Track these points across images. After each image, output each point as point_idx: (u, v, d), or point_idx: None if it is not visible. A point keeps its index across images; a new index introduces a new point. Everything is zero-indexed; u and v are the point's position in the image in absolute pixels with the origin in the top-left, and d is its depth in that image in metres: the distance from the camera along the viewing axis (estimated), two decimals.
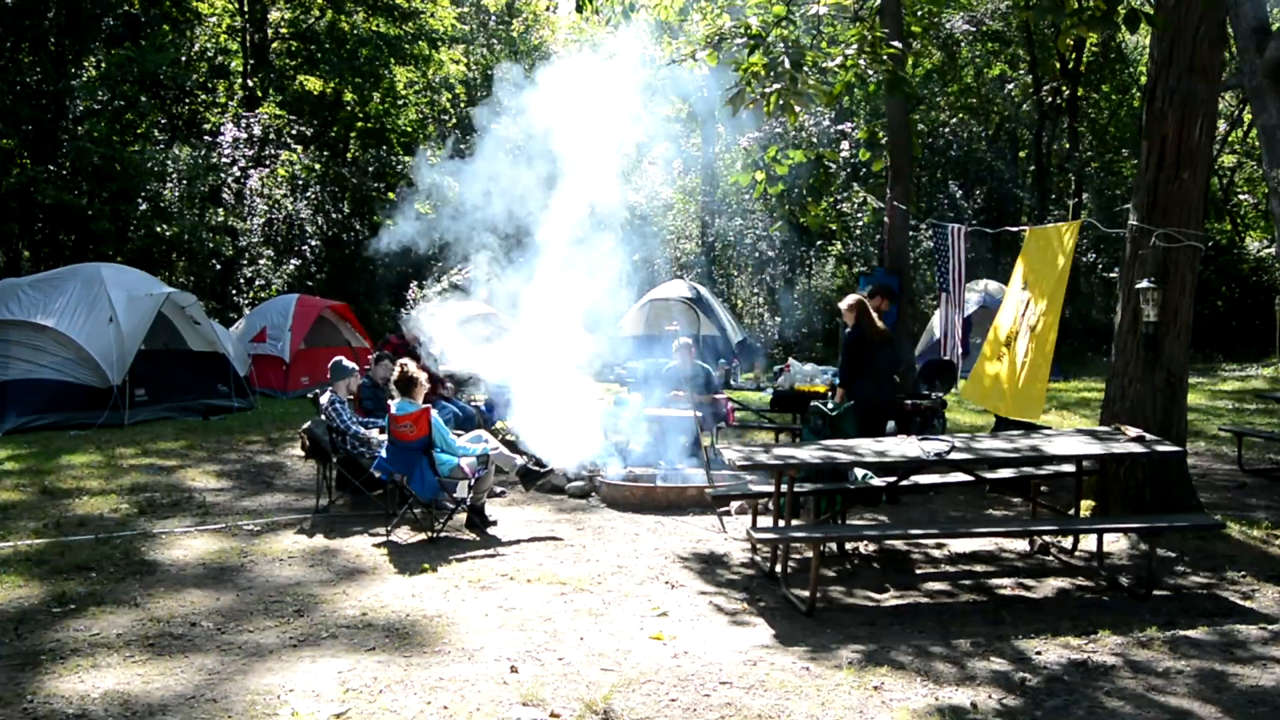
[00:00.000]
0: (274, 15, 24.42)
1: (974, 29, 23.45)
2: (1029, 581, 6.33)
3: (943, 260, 10.54)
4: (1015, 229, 9.90)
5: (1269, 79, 8.80)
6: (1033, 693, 4.47)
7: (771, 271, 24.47)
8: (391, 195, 24.20)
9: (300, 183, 21.87)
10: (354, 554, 6.70)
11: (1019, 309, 8.35)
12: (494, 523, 7.45)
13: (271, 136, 21.91)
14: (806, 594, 5.69)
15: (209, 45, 23.71)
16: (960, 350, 11.14)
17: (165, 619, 5.31)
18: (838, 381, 8.54)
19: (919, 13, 14.60)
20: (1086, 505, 7.39)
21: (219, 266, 19.76)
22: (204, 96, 23.26)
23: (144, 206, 18.61)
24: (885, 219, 11.88)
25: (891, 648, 5.01)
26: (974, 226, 10.72)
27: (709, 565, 6.57)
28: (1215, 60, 7.38)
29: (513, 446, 8.34)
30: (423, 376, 7.47)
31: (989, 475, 7.30)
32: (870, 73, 8.26)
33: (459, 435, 7.89)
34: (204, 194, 20.18)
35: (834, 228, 22.00)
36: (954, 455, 6.25)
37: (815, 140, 18.58)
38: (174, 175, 19.30)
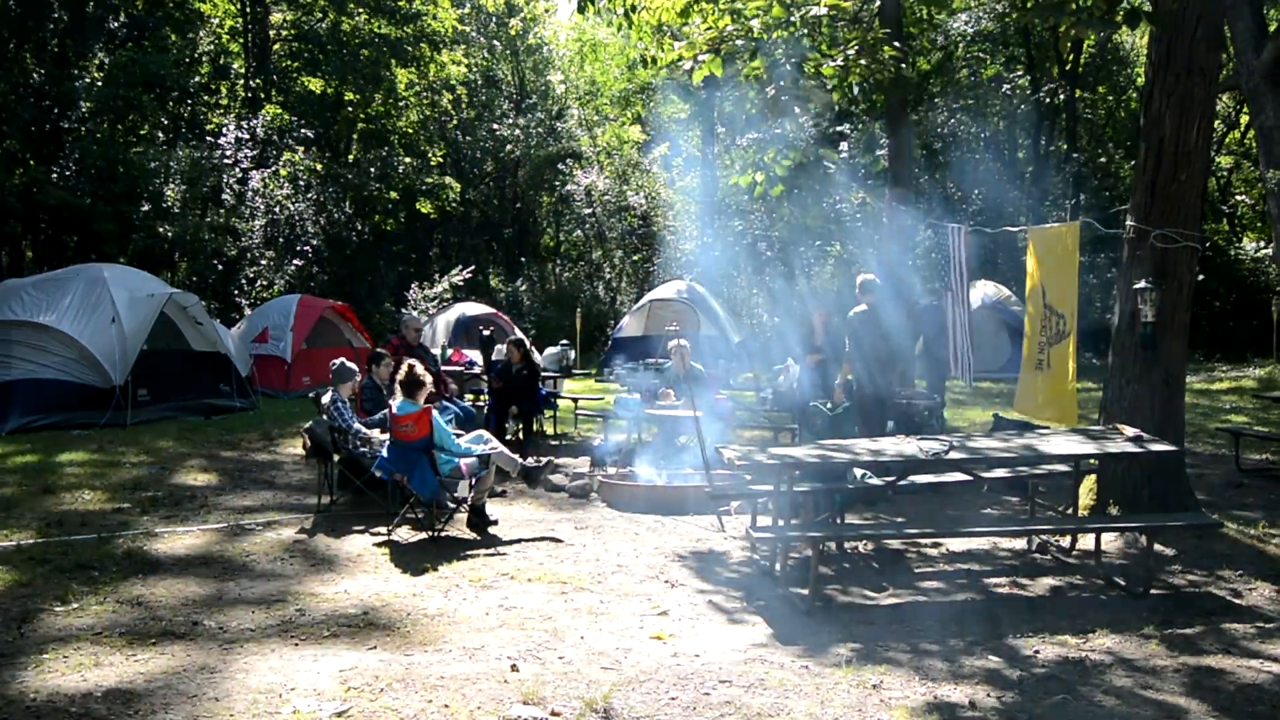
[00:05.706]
0: (276, 17, 24.49)
1: (971, 29, 23.48)
2: (1026, 580, 6.35)
3: (946, 260, 10.50)
4: (1014, 229, 9.92)
5: (1266, 80, 8.85)
6: (1030, 690, 4.50)
7: (771, 271, 24.49)
8: (394, 195, 24.26)
9: (302, 183, 21.92)
10: (355, 553, 6.73)
11: (1045, 317, 8.19)
12: (494, 522, 7.48)
13: (274, 138, 21.96)
14: (805, 593, 5.73)
15: (211, 47, 23.77)
16: (969, 349, 10.25)
17: (167, 617, 5.34)
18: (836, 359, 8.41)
19: (919, 14, 14.62)
20: (1084, 504, 7.42)
21: (221, 267, 19.80)
22: (206, 98, 23.32)
23: (146, 207, 18.66)
24: (884, 219, 11.89)
25: (890, 646, 5.05)
26: (974, 228, 10.72)
27: (708, 564, 6.60)
28: (1213, 61, 7.40)
29: (513, 446, 8.36)
30: (428, 378, 7.49)
31: (986, 475, 7.32)
32: (871, 71, 8.29)
33: (460, 435, 7.91)
34: (206, 194, 20.23)
35: (833, 228, 22.05)
36: (951, 455, 6.28)
37: (813, 141, 18.59)
38: (176, 176, 19.34)
